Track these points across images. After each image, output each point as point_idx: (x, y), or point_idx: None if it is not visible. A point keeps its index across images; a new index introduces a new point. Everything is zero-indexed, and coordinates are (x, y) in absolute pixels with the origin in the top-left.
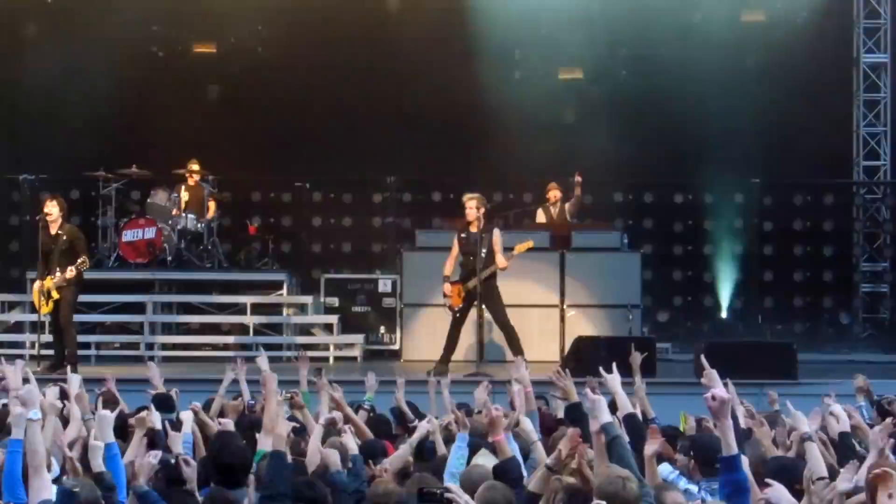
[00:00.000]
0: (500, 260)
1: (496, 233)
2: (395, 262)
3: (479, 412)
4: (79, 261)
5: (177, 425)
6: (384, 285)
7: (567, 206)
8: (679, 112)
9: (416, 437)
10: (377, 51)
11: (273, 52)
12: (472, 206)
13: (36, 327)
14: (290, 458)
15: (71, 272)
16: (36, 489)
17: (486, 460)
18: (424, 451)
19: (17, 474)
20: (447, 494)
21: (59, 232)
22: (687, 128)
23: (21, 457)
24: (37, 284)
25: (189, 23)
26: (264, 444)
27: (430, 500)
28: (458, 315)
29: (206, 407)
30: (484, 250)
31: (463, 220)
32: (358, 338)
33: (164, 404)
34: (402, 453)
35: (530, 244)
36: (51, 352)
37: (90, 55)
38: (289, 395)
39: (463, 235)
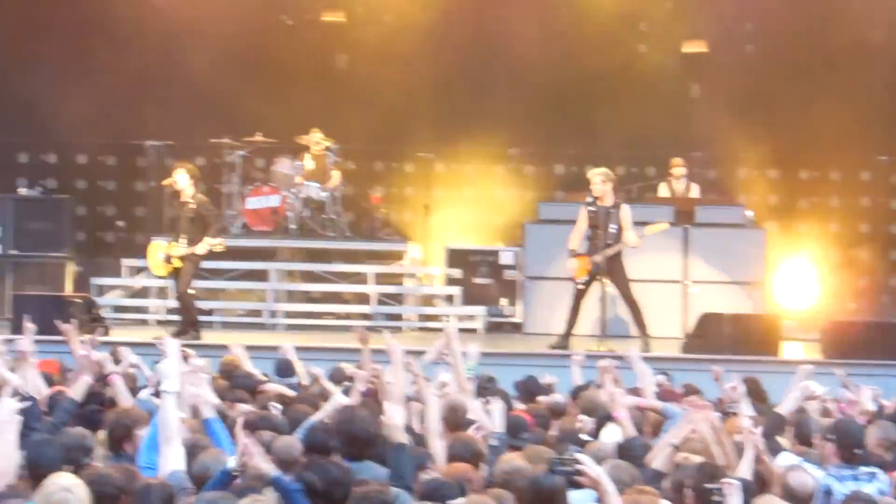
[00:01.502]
0: (633, 238)
1: (626, 209)
2: (518, 234)
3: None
4: (215, 241)
5: (292, 387)
6: (506, 257)
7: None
8: (805, 87)
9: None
10: (502, 22)
11: (401, 21)
12: (599, 181)
13: (161, 293)
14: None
15: (203, 249)
16: (166, 458)
17: (613, 434)
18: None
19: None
20: (578, 466)
21: (188, 200)
22: (813, 103)
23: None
24: (154, 245)
25: None
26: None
27: (561, 472)
28: (581, 288)
29: (333, 376)
30: (613, 225)
31: (587, 193)
32: (479, 310)
33: (285, 370)
34: None
35: (665, 226)
36: (177, 317)
37: (218, 21)
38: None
39: (591, 209)
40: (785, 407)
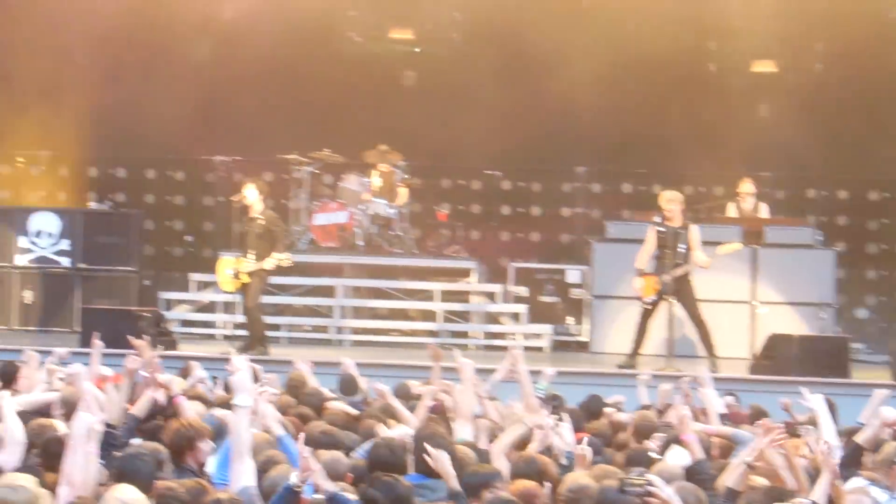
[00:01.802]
0: (704, 259)
1: (695, 229)
2: (585, 252)
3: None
4: (283, 256)
5: (356, 405)
6: (573, 276)
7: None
8: (874, 108)
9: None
10: (570, 41)
11: (468, 39)
12: (668, 202)
13: (228, 308)
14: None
15: (271, 265)
16: (237, 474)
17: (678, 457)
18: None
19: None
20: (649, 488)
21: (257, 216)
22: (882, 124)
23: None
24: (223, 261)
25: (386, 8)
26: (462, 432)
27: (632, 492)
28: (649, 308)
29: (397, 392)
30: (681, 245)
31: (655, 212)
32: (545, 328)
33: (348, 388)
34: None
35: (739, 246)
36: (244, 332)
37: (287, 38)
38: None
39: (660, 229)
40: (863, 436)
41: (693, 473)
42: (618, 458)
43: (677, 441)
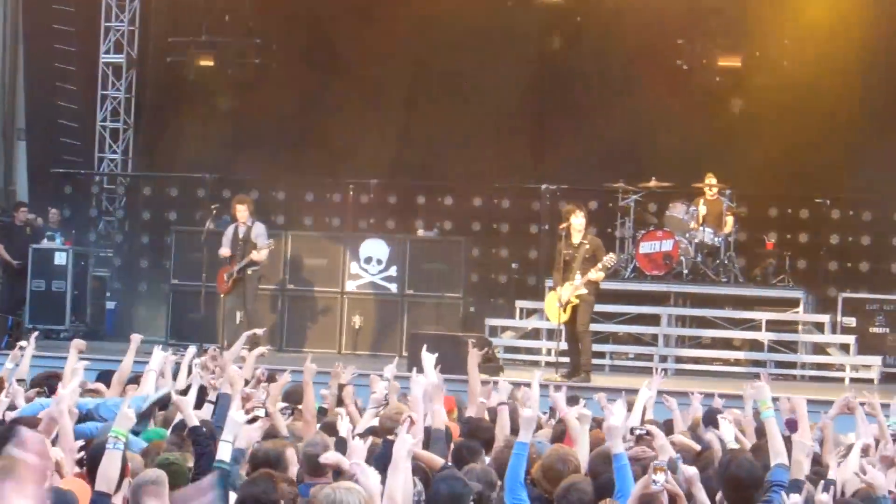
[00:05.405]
0: None
1: None
2: None
3: None
4: (605, 258)
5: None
6: None
7: None
8: None
9: None
10: None
11: (797, 67)
12: None
13: (552, 335)
14: None
15: (597, 272)
16: None
17: None
18: None
19: (518, 476)
20: None
21: (583, 241)
22: None
23: (525, 460)
24: (553, 294)
25: (714, 36)
26: None
27: None
28: None
29: None
30: None
31: None
32: (875, 359)
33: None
34: None
35: None
36: (566, 359)
37: (613, 64)
38: None
39: None
40: None
41: None
42: None
43: None
